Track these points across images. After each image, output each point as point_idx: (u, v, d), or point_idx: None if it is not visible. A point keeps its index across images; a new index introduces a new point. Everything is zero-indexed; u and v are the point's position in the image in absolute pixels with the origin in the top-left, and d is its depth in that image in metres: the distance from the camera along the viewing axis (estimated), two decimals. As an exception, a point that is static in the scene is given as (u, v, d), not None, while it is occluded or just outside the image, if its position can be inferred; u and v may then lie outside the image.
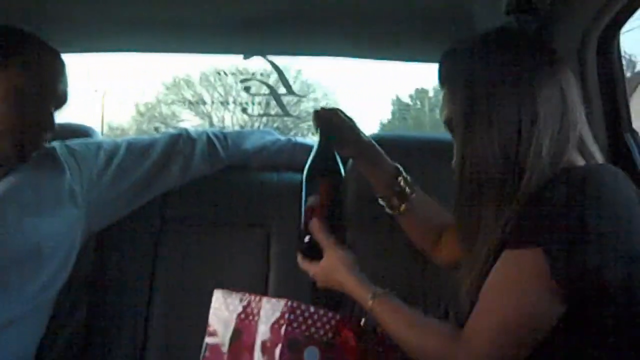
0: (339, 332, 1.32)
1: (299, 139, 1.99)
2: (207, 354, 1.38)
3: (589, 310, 1.07)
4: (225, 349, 1.34)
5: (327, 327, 1.31)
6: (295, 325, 1.28)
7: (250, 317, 1.32)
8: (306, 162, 1.46)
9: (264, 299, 1.33)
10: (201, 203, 1.84)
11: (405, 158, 1.57)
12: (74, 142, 1.74)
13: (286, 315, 1.28)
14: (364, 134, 1.57)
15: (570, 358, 1.09)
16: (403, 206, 1.53)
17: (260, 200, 1.85)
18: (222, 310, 1.37)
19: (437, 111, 1.41)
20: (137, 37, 2.05)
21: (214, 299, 1.41)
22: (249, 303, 1.34)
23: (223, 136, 1.88)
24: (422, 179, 1.56)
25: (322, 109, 1.54)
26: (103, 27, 1.93)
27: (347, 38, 1.95)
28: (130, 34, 2.00)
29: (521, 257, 1.09)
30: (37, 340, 1.58)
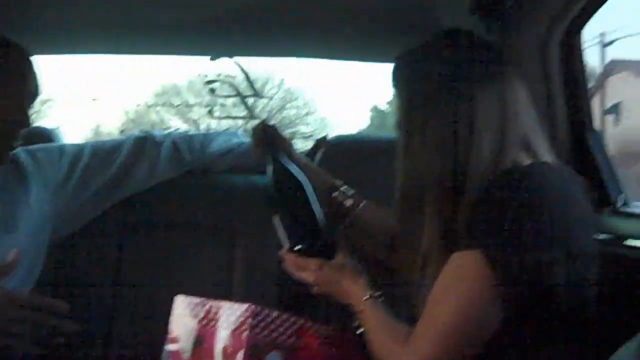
0: (302, 336, 1.31)
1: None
2: (169, 360, 1.36)
3: (533, 310, 1.08)
4: (187, 355, 1.33)
5: (290, 331, 1.30)
6: (257, 330, 1.27)
7: (212, 323, 1.31)
8: None
9: (226, 304, 1.31)
10: (166, 207, 1.82)
11: (369, 158, 1.57)
12: (35, 148, 1.72)
13: (248, 321, 1.27)
14: (297, 152, 1.59)
15: (517, 358, 1.10)
16: (346, 220, 1.52)
17: (226, 203, 1.83)
18: (184, 316, 1.36)
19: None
20: (103, 40, 2.04)
21: (175, 304, 1.39)
22: (210, 308, 1.33)
23: (189, 139, 1.86)
24: (386, 178, 1.55)
25: (261, 123, 1.59)
26: (71, 29, 1.92)
27: (312, 39, 1.95)
28: (96, 36, 1.99)
29: (463, 260, 1.09)
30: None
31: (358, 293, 1.28)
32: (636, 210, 1.50)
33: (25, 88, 1.56)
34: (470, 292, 1.08)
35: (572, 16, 1.47)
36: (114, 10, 1.80)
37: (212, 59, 2.19)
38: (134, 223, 1.80)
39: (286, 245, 1.41)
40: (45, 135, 1.91)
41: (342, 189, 1.56)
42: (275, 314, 1.29)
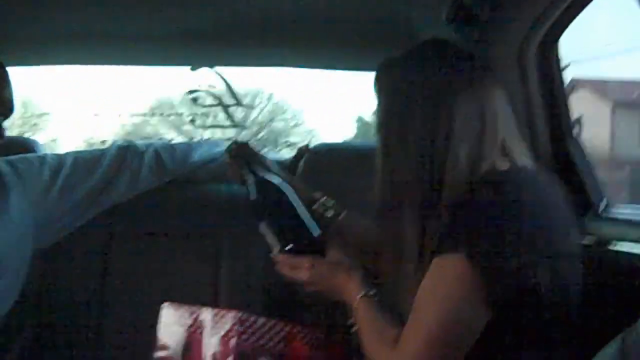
0: (290, 342, 1.32)
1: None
2: (158, 368, 1.37)
3: (518, 312, 1.09)
4: (176, 362, 1.34)
5: (278, 337, 1.32)
6: (245, 337, 1.28)
7: (200, 330, 1.32)
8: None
9: (213, 311, 1.32)
10: (149, 216, 1.82)
11: (352, 165, 1.58)
12: (15, 158, 1.70)
13: (236, 327, 1.28)
14: (274, 166, 1.62)
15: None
16: (329, 231, 1.50)
17: (210, 212, 1.84)
18: (172, 323, 1.37)
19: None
20: (83, 51, 2.03)
21: (163, 312, 1.40)
22: (198, 315, 1.34)
23: (171, 148, 1.86)
24: (369, 185, 1.57)
25: (234, 142, 1.65)
26: (48, 41, 1.91)
27: (292, 48, 1.96)
28: (76, 47, 1.98)
29: (445, 264, 1.10)
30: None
31: (352, 290, 1.28)
32: (618, 215, 1.52)
33: (1, 102, 1.54)
34: (454, 296, 1.08)
35: (547, 26, 1.49)
36: (91, 22, 1.80)
37: (192, 69, 2.20)
38: (119, 232, 1.80)
39: (276, 248, 1.42)
40: (26, 146, 1.90)
41: (322, 200, 1.57)
42: (262, 320, 1.30)
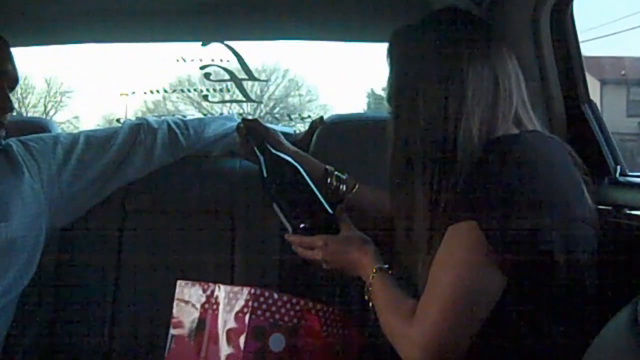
0: (304, 317, 1.32)
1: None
2: (173, 345, 1.37)
3: (533, 278, 1.08)
4: (190, 339, 1.34)
5: (292, 313, 1.31)
6: (259, 312, 1.28)
7: (214, 307, 1.32)
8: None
9: (227, 288, 1.32)
10: (163, 193, 1.81)
11: (365, 137, 1.57)
12: (29, 138, 1.71)
13: (250, 303, 1.27)
14: (286, 141, 1.62)
15: (521, 326, 1.11)
16: (342, 205, 1.50)
17: (223, 188, 1.83)
18: (186, 300, 1.37)
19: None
20: (94, 28, 2.02)
21: (177, 290, 1.40)
22: (212, 292, 1.33)
23: (184, 124, 1.85)
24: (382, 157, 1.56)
25: (244, 119, 1.64)
26: (59, 19, 1.90)
27: (302, 21, 1.94)
28: (87, 24, 1.97)
29: (458, 231, 1.10)
30: (1, 341, 1.56)
31: (366, 265, 1.29)
32: (635, 180, 1.50)
33: (6, 75, 1.56)
34: (469, 263, 1.08)
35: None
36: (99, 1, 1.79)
37: (203, 44, 2.18)
38: (133, 209, 1.80)
39: (290, 228, 1.41)
40: (40, 126, 1.91)
41: (335, 174, 1.57)
42: (276, 296, 1.30)
